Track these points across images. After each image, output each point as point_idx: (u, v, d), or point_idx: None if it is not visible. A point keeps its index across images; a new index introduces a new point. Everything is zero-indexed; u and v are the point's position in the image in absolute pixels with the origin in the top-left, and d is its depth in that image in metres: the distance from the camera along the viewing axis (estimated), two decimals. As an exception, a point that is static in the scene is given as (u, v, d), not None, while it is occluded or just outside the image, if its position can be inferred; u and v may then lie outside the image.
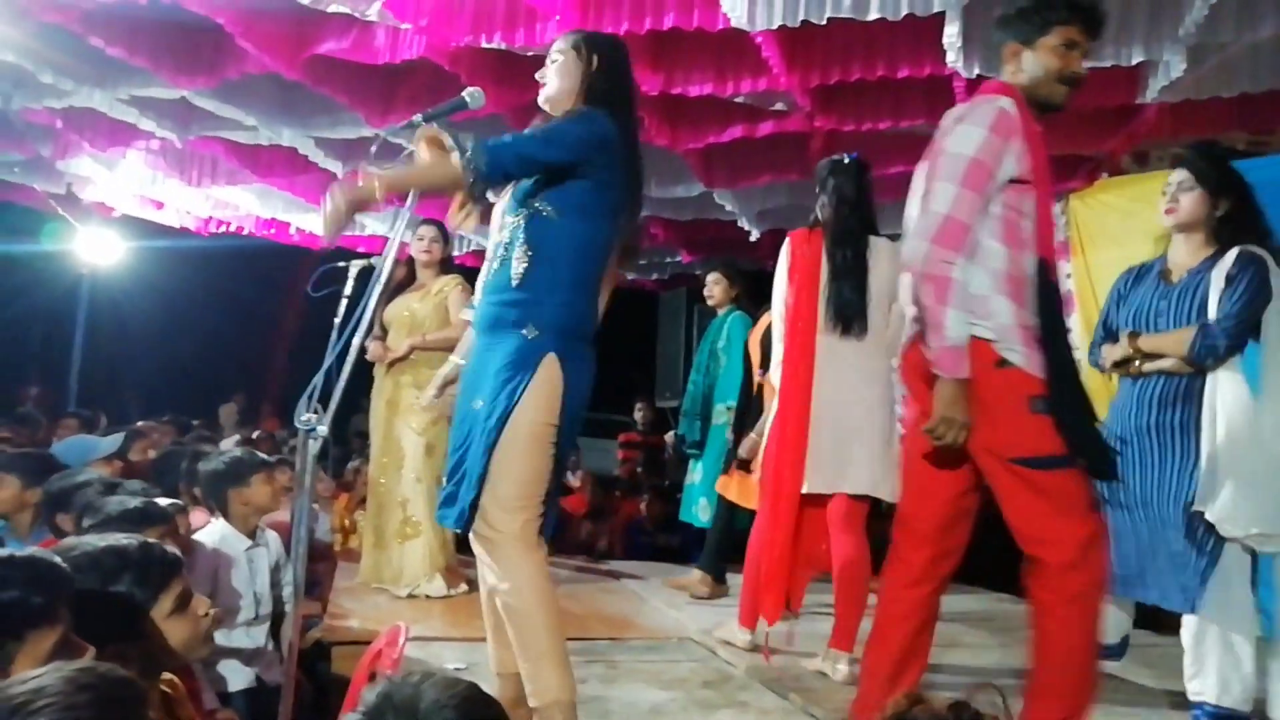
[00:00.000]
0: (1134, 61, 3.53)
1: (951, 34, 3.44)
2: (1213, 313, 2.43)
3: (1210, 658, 2.38)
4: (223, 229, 7.32)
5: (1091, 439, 2.03)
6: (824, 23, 3.42)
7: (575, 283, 2.10)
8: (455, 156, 2.03)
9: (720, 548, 4.15)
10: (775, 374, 3.07)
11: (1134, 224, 4.57)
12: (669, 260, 7.83)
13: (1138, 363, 2.56)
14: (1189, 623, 2.43)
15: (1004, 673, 2.81)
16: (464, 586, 3.94)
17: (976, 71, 3.66)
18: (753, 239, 6.19)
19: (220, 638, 2.87)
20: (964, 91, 3.98)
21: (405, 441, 3.94)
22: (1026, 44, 2.19)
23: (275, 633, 3.03)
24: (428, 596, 3.80)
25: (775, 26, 3.46)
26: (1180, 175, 2.58)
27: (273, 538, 3.20)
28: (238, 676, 2.87)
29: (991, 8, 3.55)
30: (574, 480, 7.14)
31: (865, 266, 2.92)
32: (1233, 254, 2.45)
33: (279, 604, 3.05)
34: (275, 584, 3.08)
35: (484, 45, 3.82)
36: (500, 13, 3.75)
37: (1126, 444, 2.57)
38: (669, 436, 7.39)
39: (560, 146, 2.05)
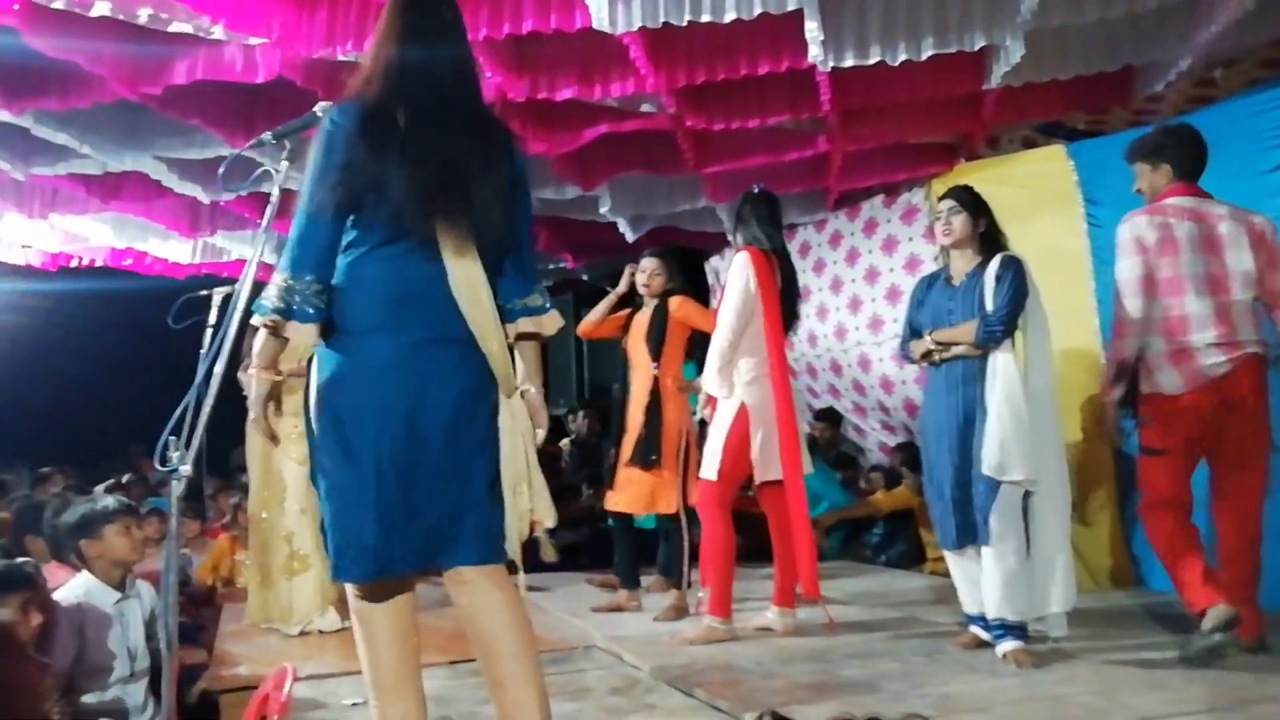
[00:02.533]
0: (976, 47, 3.69)
1: (812, 28, 3.53)
2: (989, 305, 3.01)
3: (996, 579, 2.96)
4: (72, 263, 6.88)
5: None
6: (684, 24, 3.45)
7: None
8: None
9: (631, 558, 4.13)
10: (710, 380, 3.44)
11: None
12: (553, 266, 7.79)
13: (936, 355, 3.14)
14: (985, 553, 2.99)
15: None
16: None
17: (832, 64, 3.76)
18: (630, 240, 6.22)
19: (93, 698, 2.70)
20: (827, 85, 4.09)
21: (286, 473, 3.77)
22: None
23: (155, 688, 2.86)
24: (320, 632, 3.64)
25: (636, 28, 3.48)
26: (948, 203, 3.19)
27: (145, 588, 3.03)
28: (116, 739, 2.69)
29: (846, 1, 3.68)
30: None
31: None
32: (998, 259, 3.07)
33: (156, 657, 2.88)
34: (151, 636, 2.92)
35: (340, 58, 3.70)
36: (354, 22, 3.64)
37: (937, 417, 3.12)
38: (564, 443, 7.38)
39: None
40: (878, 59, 3.74)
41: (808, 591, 3.39)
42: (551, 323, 2.12)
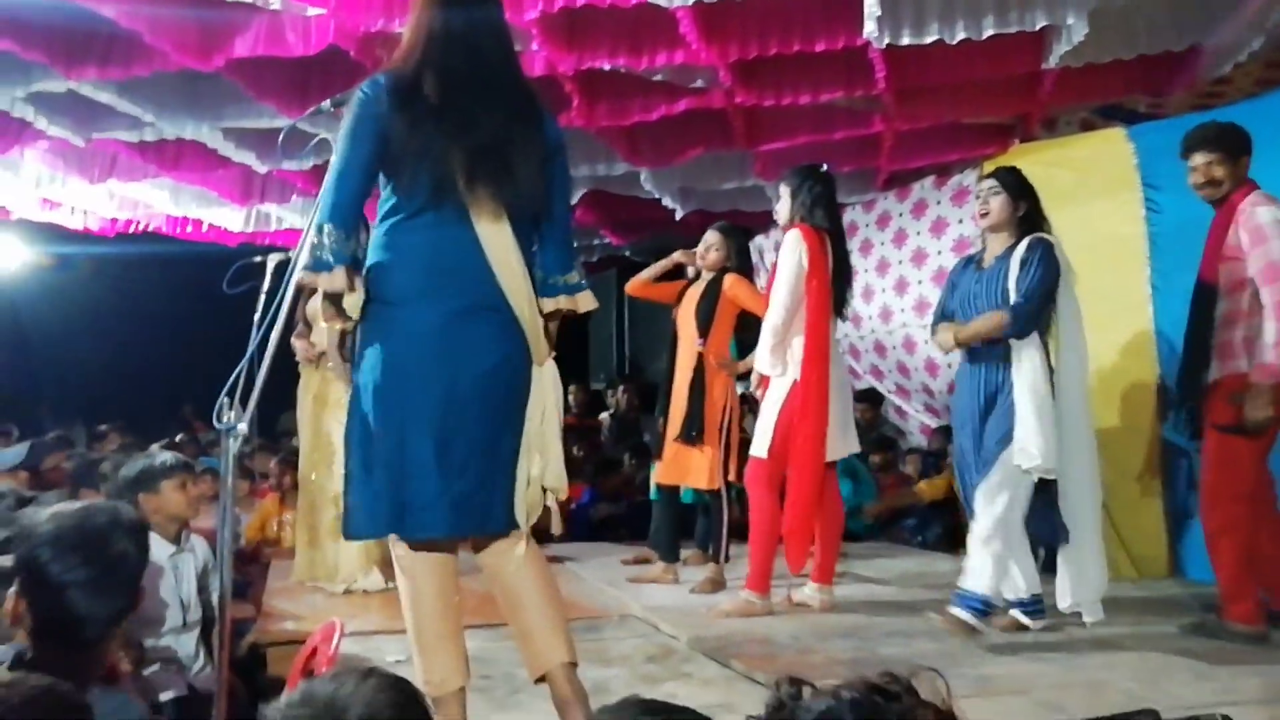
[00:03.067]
0: (1037, 26, 3.61)
1: (872, 3, 3.47)
2: (1013, 289, 2.92)
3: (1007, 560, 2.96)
4: (130, 229, 7.04)
5: None
6: (739, -2, 3.44)
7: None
8: None
9: (672, 531, 4.16)
10: (763, 358, 3.43)
11: (1048, 187, 4.68)
12: (596, 242, 7.81)
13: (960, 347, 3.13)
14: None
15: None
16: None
17: (888, 41, 3.71)
18: (678, 218, 6.21)
19: (148, 645, 2.79)
20: (881, 63, 4.03)
21: (335, 436, 3.85)
22: None
23: (207, 639, 2.95)
24: (365, 591, 3.73)
25: (691, 2, 3.46)
26: (989, 183, 3.07)
27: (199, 542, 3.11)
28: (168, 685, 2.78)
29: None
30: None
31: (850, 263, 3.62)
32: (1025, 241, 2.97)
33: (208, 609, 2.96)
34: (203, 589, 3.00)
35: (396, 29, 3.73)
36: (409, -6, 3.67)
37: (961, 404, 3.11)
38: (604, 417, 7.43)
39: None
40: (935, 38, 3.68)
41: (794, 569, 3.44)
42: (586, 301, 2.13)
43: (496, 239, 1.95)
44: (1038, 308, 2.91)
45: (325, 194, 1.93)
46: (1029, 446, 2.84)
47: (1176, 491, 4.19)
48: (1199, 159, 3.08)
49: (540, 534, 2.11)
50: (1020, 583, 3.01)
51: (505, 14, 2.12)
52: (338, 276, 1.89)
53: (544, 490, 2.07)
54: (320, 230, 1.90)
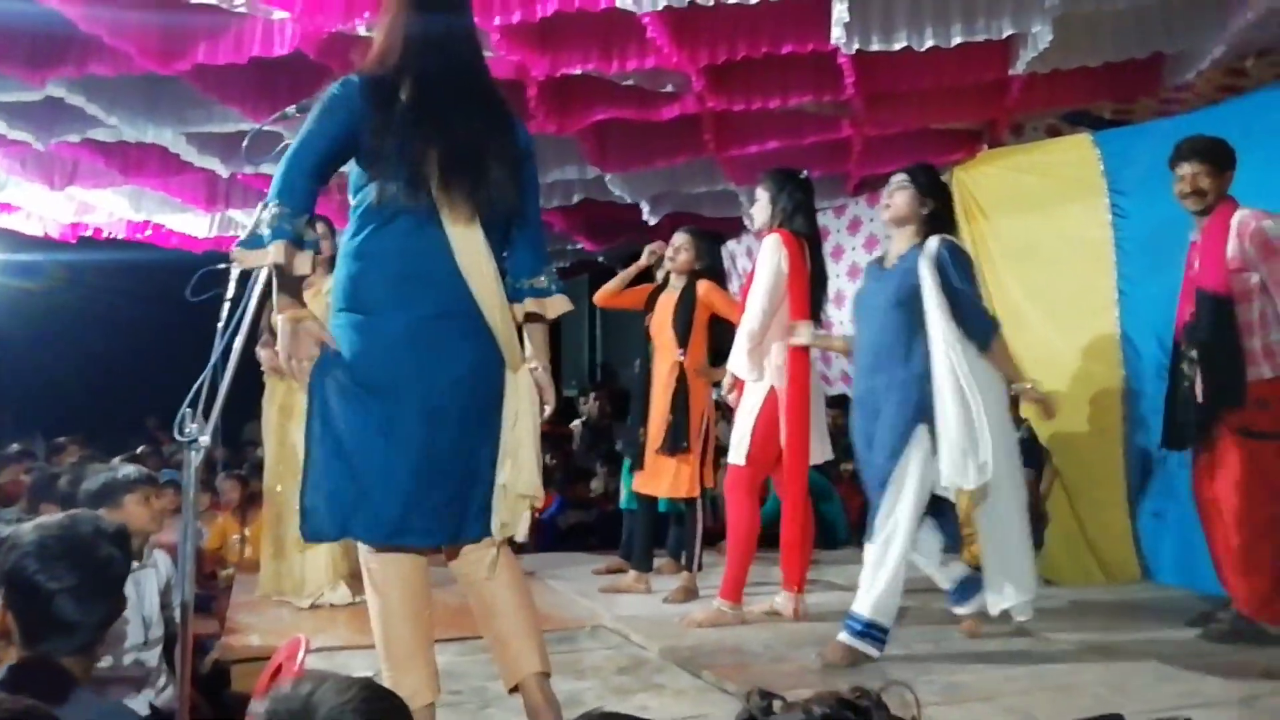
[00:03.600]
0: (1004, 34, 3.64)
1: (840, 10, 3.48)
2: (929, 293, 2.80)
3: (869, 577, 2.84)
4: (91, 235, 6.91)
5: None
6: (711, 3, 3.42)
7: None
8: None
9: (648, 540, 4.13)
10: (739, 363, 3.37)
11: (1016, 192, 4.74)
12: (568, 248, 7.77)
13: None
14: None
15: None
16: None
17: (857, 47, 3.72)
18: (651, 224, 6.19)
19: (107, 664, 2.73)
20: (850, 68, 4.05)
21: (301, 447, 3.79)
22: None
23: (169, 656, 2.89)
24: (332, 605, 3.67)
25: (661, 7, 3.44)
26: (897, 178, 2.99)
27: (161, 557, 3.05)
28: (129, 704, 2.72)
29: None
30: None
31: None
32: (934, 240, 2.88)
33: (171, 625, 2.90)
34: (166, 605, 2.94)
35: (361, 33, 3.69)
36: (374, -1, 3.63)
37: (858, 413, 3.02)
38: (575, 425, 7.39)
39: None
40: (903, 44, 3.69)
41: (787, 580, 3.41)
42: (556, 306, 2.12)
43: (468, 243, 1.93)
44: (981, 307, 2.90)
45: (276, 173, 1.89)
46: (971, 466, 2.75)
47: (1144, 495, 4.23)
48: (1187, 169, 3.12)
49: (507, 542, 2.07)
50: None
51: (473, 19, 2.11)
52: (270, 252, 1.82)
53: (522, 498, 2.03)
54: (264, 207, 1.85)
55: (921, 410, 2.79)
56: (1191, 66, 4.26)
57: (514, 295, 2.06)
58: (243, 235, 1.87)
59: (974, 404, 2.73)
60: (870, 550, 2.84)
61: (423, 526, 1.93)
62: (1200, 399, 3.05)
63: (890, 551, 2.78)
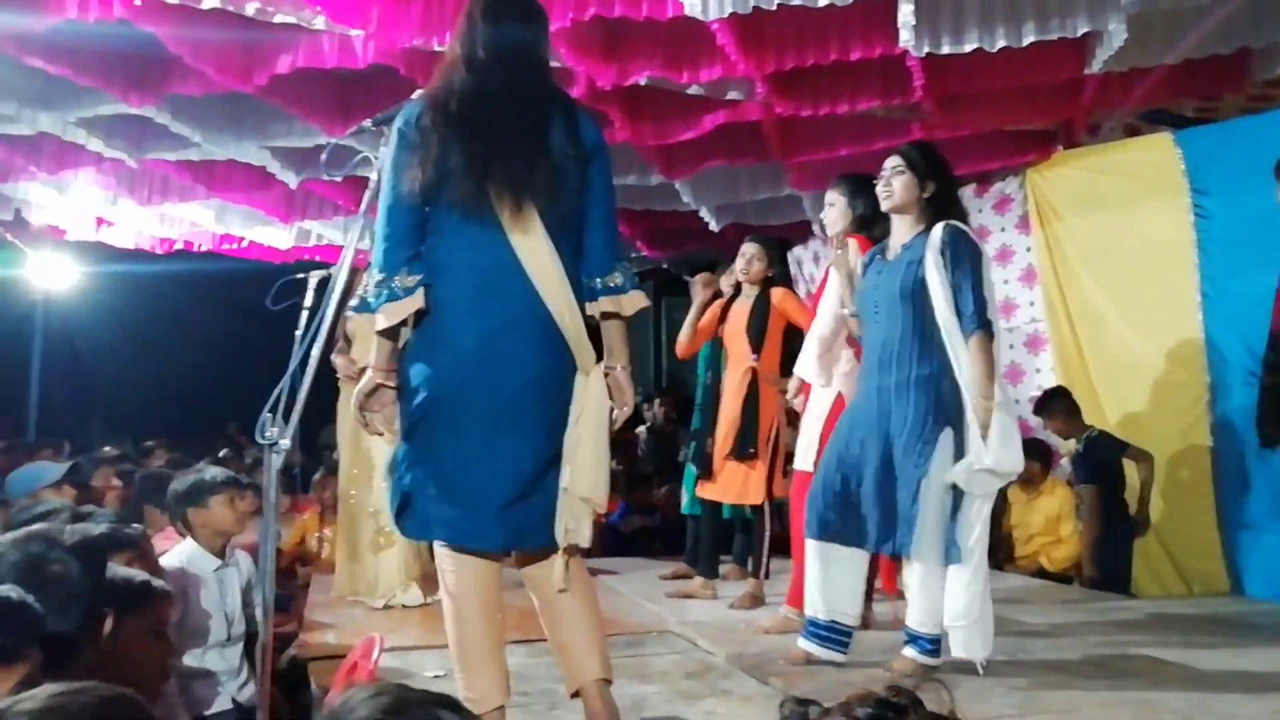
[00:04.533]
0: (1079, 33, 3.56)
1: (906, 12, 3.45)
2: (935, 285, 2.63)
3: (925, 591, 2.66)
4: (178, 248, 7.20)
5: None
6: (774, 8, 3.42)
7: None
8: None
9: (714, 546, 4.13)
10: (809, 367, 3.30)
11: (1093, 194, 4.64)
12: (633, 255, 7.81)
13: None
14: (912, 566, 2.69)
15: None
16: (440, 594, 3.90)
17: (926, 50, 3.67)
18: (714, 230, 6.19)
19: (192, 660, 2.84)
20: (919, 70, 4.00)
21: (375, 452, 3.89)
22: None
23: (250, 653, 2.99)
24: (404, 606, 3.75)
25: (727, 14, 3.45)
26: (893, 161, 2.79)
27: (243, 558, 3.16)
28: (213, 699, 2.82)
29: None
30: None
31: None
32: (939, 228, 2.68)
33: (252, 624, 3.00)
34: (247, 604, 3.04)
35: (435, 48, 3.78)
36: (449, 13, 3.71)
37: (862, 408, 2.81)
38: (640, 430, 7.42)
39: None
40: (975, 45, 3.63)
41: (885, 585, 3.35)
42: (632, 303, 2.09)
43: (531, 248, 1.97)
44: (986, 302, 2.65)
45: (382, 237, 1.99)
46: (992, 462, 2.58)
47: (1233, 505, 4.07)
48: None
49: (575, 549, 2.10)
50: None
51: (537, 31, 2.13)
52: (379, 319, 1.97)
53: (583, 501, 2.04)
54: (385, 274, 1.96)
55: (941, 412, 2.63)
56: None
57: (588, 295, 2.07)
58: (370, 300, 1.99)
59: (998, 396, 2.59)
60: (920, 568, 2.68)
61: (486, 531, 1.99)
62: None
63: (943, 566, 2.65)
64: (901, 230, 2.81)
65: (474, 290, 1.97)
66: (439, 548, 2.07)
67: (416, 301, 1.95)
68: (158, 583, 1.98)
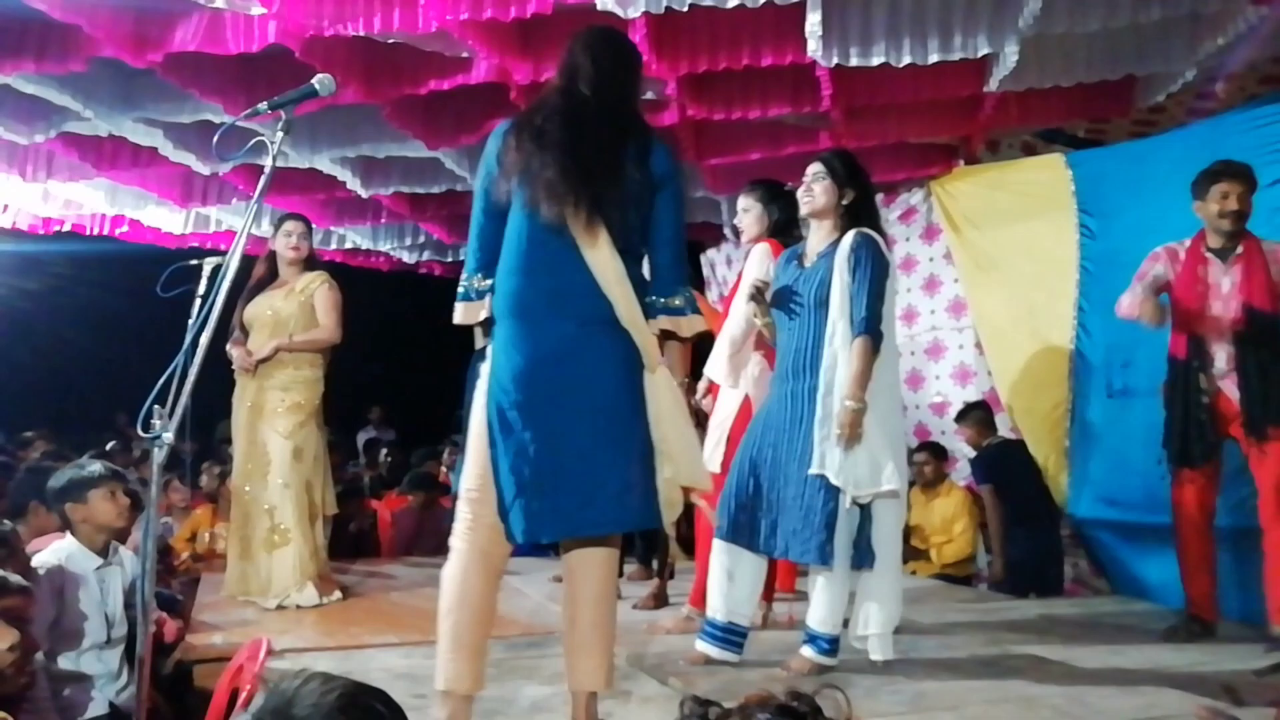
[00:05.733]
0: (980, 54, 3.69)
1: (813, 22, 3.52)
2: (836, 289, 2.71)
3: (828, 595, 2.74)
4: (64, 228, 6.83)
5: None
6: (685, 9, 3.44)
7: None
8: None
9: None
10: (718, 367, 3.30)
11: (989, 208, 4.82)
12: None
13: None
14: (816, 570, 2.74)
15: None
16: (337, 594, 3.81)
17: (835, 61, 3.75)
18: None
19: (67, 662, 2.70)
20: (828, 80, 4.08)
21: (271, 446, 3.77)
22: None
23: (131, 655, 2.85)
24: (299, 606, 3.64)
25: (640, 13, 3.46)
26: (815, 168, 2.85)
27: (128, 556, 3.01)
28: (87, 703, 2.68)
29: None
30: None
31: None
32: (851, 235, 2.75)
33: (134, 625, 2.86)
34: (130, 604, 2.90)
35: (343, 33, 3.67)
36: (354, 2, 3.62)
37: (775, 412, 2.84)
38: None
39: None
40: (881, 60, 3.73)
41: (782, 584, 3.41)
42: (690, 325, 2.25)
43: (599, 258, 2.10)
44: (879, 311, 2.69)
45: (470, 247, 2.23)
46: (858, 471, 2.63)
47: (1087, 514, 4.33)
48: (1233, 188, 3.15)
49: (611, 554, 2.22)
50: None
51: (636, 67, 2.34)
52: (473, 308, 2.20)
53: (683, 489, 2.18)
54: (468, 277, 2.22)
55: None
56: (1163, 88, 4.34)
57: (649, 311, 2.19)
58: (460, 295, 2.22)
59: (880, 403, 2.65)
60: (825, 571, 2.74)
61: (550, 524, 2.08)
62: (1252, 410, 3.10)
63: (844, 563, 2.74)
64: (819, 236, 2.85)
65: (554, 293, 2.11)
66: (459, 528, 2.14)
67: (485, 309, 2.17)
68: (14, 579, 1.84)
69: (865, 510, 2.74)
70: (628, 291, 2.12)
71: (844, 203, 2.80)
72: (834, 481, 2.63)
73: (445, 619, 2.11)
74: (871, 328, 2.67)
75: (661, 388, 2.18)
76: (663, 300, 2.22)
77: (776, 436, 2.79)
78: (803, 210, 2.87)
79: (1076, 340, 4.29)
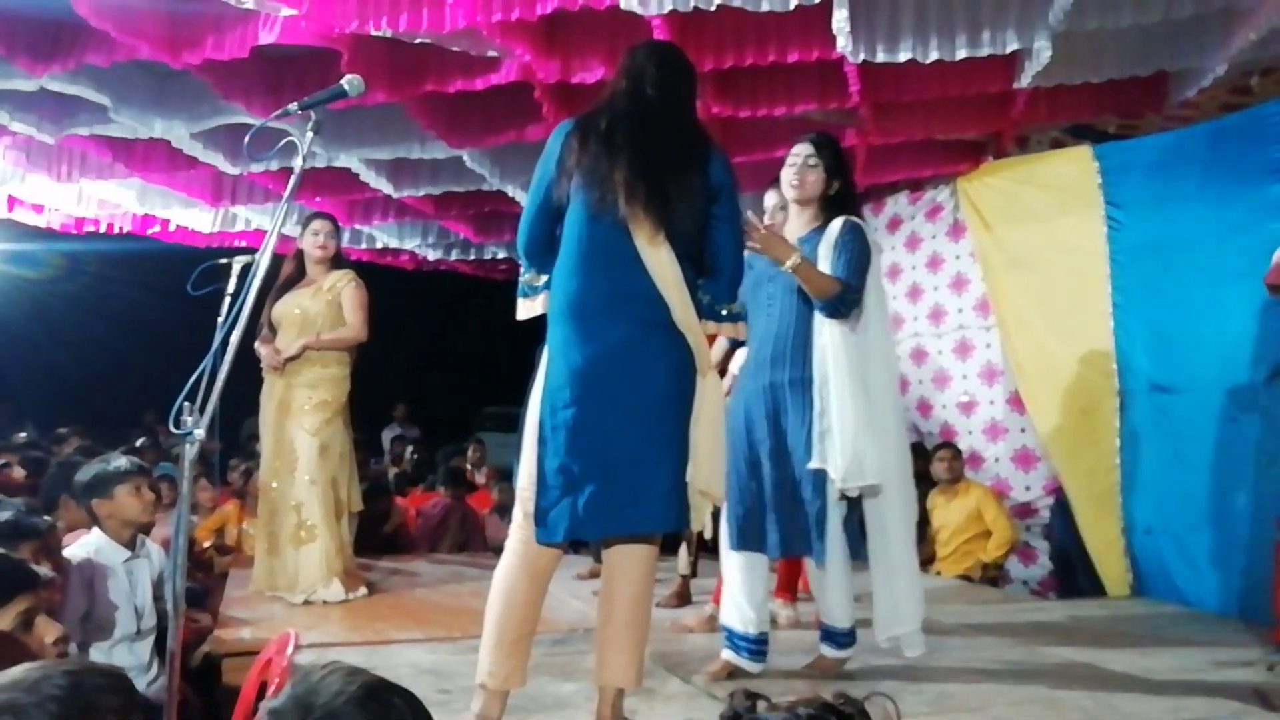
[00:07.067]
0: (1008, 49, 3.65)
1: (840, 19, 3.49)
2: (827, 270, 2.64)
3: (833, 589, 2.74)
4: (96, 228, 6.93)
5: None
6: (713, 8, 3.43)
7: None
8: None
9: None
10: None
11: (1017, 203, 4.77)
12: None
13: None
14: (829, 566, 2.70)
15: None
16: (363, 590, 3.84)
17: (862, 57, 3.72)
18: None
19: (99, 654, 2.74)
20: (855, 77, 4.06)
21: (298, 443, 3.81)
22: None
23: (161, 648, 2.89)
24: (325, 602, 3.67)
25: (666, 10, 3.45)
26: (807, 151, 2.76)
27: (155, 549, 3.06)
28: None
29: (878, -5, 3.64)
30: (480, 477, 7.05)
31: None
32: (838, 222, 2.70)
33: (163, 618, 2.90)
34: (159, 597, 2.95)
35: (371, 32, 3.70)
36: (384, 2, 3.64)
37: (755, 407, 2.76)
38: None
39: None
40: (909, 56, 3.70)
41: (806, 585, 3.39)
42: (737, 331, 2.35)
43: (657, 260, 2.12)
44: (861, 281, 2.63)
45: (520, 240, 2.29)
46: (853, 463, 2.57)
47: (1136, 510, 4.24)
48: None
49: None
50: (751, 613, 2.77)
51: (694, 80, 2.38)
52: (530, 304, 2.30)
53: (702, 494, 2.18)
54: (523, 273, 2.30)
55: None
56: (1195, 84, 4.26)
57: (707, 314, 2.25)
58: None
59: (870, 397, 2.61)
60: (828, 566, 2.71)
61: (593, 524, 2.11)
62: None
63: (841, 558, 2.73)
64: (799, 223, 2.79)
65: (612, 295, 2.13)
66: (512, 528, 2.19)
67: (540, 306, 2.25)
68: (43, 570, 1.87)
69: (856, 503, 2.72)
70: (685, 295, 2.14)
71: (829, 193, 2.76)
72: (832, 475, 2.59)
73: (488, 614, 2.16)
74: (849, 294, 2.61)
75: (709, 392, 2.20)
76: (725, 307, 2.27)
77: (762, 433, 2.72)
78: (789, 195, 2.80)
79: (1115, 338, 4.22)
